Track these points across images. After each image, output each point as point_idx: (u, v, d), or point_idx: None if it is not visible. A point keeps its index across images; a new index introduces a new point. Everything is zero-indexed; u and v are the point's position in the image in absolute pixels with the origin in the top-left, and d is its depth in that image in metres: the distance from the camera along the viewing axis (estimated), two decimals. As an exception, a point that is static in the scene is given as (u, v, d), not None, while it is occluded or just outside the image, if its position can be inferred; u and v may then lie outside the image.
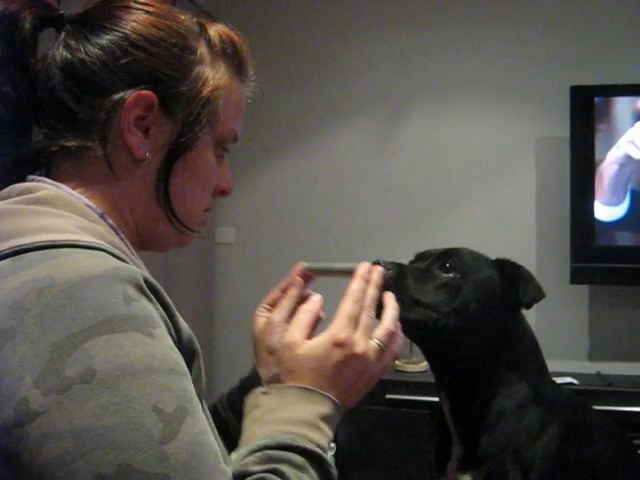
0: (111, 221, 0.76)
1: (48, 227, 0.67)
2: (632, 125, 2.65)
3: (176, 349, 0.65)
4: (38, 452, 0.55)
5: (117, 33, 0.76)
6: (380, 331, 0.83)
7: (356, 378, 0.80)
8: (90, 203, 0.75)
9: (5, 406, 0.57)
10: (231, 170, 0.86)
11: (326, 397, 0.77)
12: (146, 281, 0.65)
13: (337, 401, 0.77)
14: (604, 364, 2.74)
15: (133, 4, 0.79)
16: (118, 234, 0.75)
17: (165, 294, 0.68)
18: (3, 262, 0.64)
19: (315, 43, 3.16)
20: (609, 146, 2.65)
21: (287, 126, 3.17)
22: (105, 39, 0.76)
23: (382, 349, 0.82)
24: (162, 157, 0.78)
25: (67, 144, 0.75)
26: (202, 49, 0.80)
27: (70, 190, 0.75)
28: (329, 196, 3.12)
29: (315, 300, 0.89)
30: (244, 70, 0.85)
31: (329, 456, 0.73)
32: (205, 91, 0.79)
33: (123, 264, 0.66)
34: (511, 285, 1.22)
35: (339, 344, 0.79)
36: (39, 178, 0.76)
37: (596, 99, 2.66)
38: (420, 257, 1.30)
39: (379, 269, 0.88)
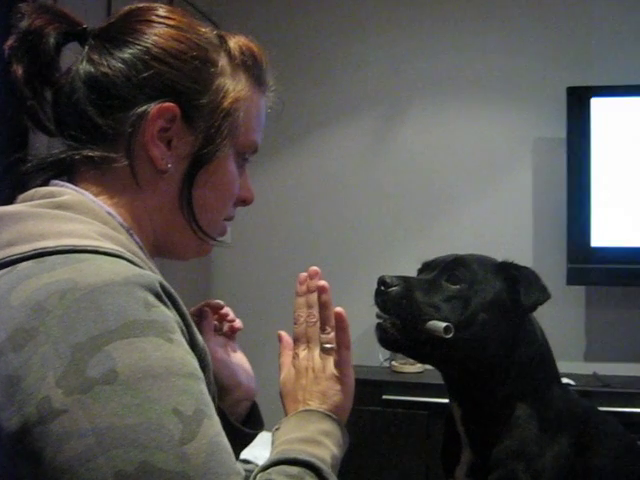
0: (130, 228, 0.76)
1: (71, 232, 0.68)
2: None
3: (192, 354, 0.67)
4: (60, 449, 0.57)
5: (139, 47, 0.77)
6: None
7: None
8: (111, 211, 0.76)
9: (27, 404, 0.58)
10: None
11: (324, 414, 0.83)
12: (163, 288, 0.67)
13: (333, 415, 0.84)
14: (600, 365, 2.75)
15: (155, 18, 0.79)
16: (136, 242, 0.77)
17: (181, 302, 0.69)
18: (26, 263, 0.65)
19: (309, 44, 3.14)
20: (605, 147, 2.65)
21: (281, 127, 3.16)
22: (127, 53, 0.77)
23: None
24: (184, 168, 0.79)
25: (90, 154, 0.76)
26: (223, 61, 0.81)
27: (92, 197, 0.75)
28: (325, 197, 3.11)
29: None
30: (264, 81, 0.87)
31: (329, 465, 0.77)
32: (226, 103, 0.80)
33: (143, 271, 0.68)
34: (516, 288, 1.21)
35: None
36: (62, 183, 0.77)
37: (592, 100, 2.67)
38: (427, 267, 1.29)
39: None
